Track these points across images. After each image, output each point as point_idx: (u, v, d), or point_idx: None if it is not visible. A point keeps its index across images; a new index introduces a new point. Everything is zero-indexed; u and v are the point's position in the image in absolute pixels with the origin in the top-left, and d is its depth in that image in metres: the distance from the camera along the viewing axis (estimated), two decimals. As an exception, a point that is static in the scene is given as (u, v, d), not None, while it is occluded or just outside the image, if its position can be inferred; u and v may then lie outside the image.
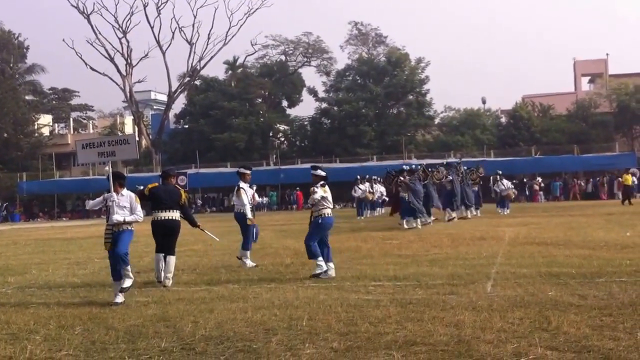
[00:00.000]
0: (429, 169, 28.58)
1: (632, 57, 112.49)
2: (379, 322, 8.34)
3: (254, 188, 16.04)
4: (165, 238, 12.97)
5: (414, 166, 29.68)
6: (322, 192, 13.07)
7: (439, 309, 9.04)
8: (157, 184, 13.51)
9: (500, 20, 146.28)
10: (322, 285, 11.66)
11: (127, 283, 10.86)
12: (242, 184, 15.40)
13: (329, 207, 13.13)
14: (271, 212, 56.11)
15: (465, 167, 33.36)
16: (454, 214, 28.83)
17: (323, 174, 13.36)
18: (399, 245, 18.16)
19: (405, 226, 24.83)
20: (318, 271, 12.63)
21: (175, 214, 13.01)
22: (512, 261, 13.56)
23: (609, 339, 7.15)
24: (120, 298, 10.80)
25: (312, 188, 13.25)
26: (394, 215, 26.85)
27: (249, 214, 15.06)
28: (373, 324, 8.29)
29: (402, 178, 25.60)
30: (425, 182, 26.52)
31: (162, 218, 12.87)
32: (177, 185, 13.84)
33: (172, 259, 12.90)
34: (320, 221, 13.05)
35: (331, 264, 12.89)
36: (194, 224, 13.89)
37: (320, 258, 12.74)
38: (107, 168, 11.75)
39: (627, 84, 61.02)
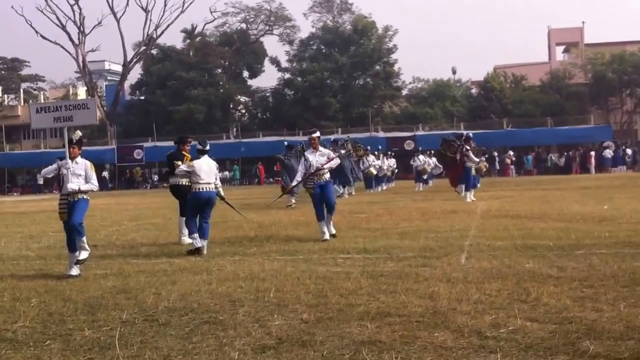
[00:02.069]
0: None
1: (609, 26, 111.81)
2: (350, 294, 8.07)
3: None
4: (179, 201, 14.41)
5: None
6: (185, 166, 13.08)
7: (412, 281, 8.76)
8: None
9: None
10: (288, 258, 11.38)
11: (83, 255, 10.49)
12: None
13: (201, 182, 12.66)
14: (232, 186, 55.44)
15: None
16: (344, 191, 28.84)
17: (200, 147, 13.06)
18: (367, 218, 17.88)
19: (469, 199, 23.20)
20: (190, 248, 12.49)
21: (181, 180, 14.06)
22: (486, 234, 13.30)
23: (591, 310, 6.92)
24: (75, 270, 10.39)
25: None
26: (455, 187, 25.48)
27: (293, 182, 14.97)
28: (344, 295, 8.01)
29: (467, 147, 24.14)
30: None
31: (173, 183, 14.52)
32: (184, 153, 14.57)
33: (179, 220, 14.32)
34: (188, 197, 13.03)
35: (204, 241, 12.51)
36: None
37: (195, 235, 12.46)
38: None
39: (603, 53, 60.07)
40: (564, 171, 53.13)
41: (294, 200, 23.57)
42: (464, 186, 24.20)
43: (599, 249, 10.90)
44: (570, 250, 10.80)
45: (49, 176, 11.22)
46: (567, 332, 6.16)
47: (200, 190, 12.67)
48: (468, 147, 24.20)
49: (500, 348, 5.79)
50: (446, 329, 6.44)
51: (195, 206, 12.74)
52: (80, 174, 10.54)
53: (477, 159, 24.91)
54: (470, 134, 26.42)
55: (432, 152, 39.31)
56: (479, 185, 30.45)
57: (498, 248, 11.32)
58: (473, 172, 24.19)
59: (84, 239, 10.54)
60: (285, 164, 24.87)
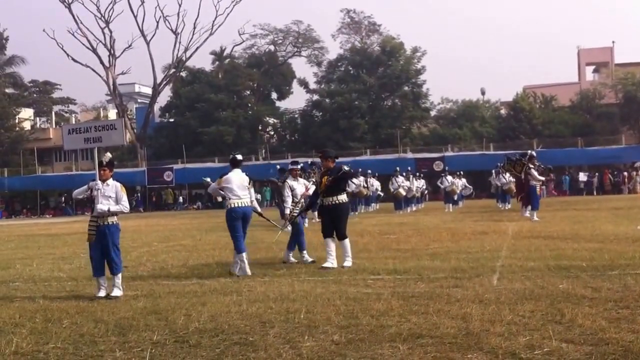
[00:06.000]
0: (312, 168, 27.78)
1: None
2: (381, 315, 7.99)
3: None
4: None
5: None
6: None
7: (443, 302, 8.67)
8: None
9: (500, 7, 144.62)
10: (318, 279, 11.33)
11: (116, 293, 10.40)
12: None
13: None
14: (263, 208, 55.22)
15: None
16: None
17: None
18: (397, 239, 17.80)
19: (535, 218, 22.89)
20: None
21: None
22: (518, 254, 13.18)
23: (627, 331, 6.80)
24: (103, 292, 10.44)
25: None
26: (525, 208, 25.23)
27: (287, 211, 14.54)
28: (375, 317, 7.93)
29: (531, 165, 24.16)
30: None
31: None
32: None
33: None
34: None
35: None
36: None
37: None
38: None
39: (633, 73, 59.40)
40: (592, 192, 52.79)
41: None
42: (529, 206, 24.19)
43: (633, 269, 10.74)
44: (604, 271, 10.66)
45: (80, 197, 11.24)
46: (604, 354, 6.06)
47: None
48: (531, 166, 24.18)
49: (537, 370, 5.70)
50: (480, 350, 6.36)
51: None
52: (110, 196, 10.49)
53: (540, 178, 24.82)
54: (534, 153, 26.37)
55: (461, 173, 39.15)
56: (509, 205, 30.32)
57: (530, 269, 11.21)
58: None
59: (120, 275, 10.56)
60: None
